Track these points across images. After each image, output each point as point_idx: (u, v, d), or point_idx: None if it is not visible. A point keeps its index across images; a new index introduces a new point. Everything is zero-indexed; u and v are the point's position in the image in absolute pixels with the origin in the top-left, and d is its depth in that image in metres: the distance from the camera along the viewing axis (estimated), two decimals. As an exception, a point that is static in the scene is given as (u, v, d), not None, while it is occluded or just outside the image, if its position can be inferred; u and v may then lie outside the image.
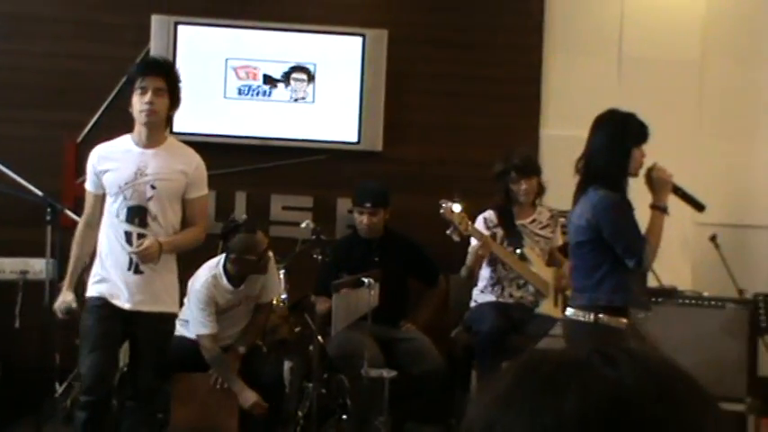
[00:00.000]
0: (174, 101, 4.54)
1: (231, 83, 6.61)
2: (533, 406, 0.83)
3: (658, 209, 4.31)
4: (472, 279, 5.84)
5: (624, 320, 4.25)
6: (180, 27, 6.54)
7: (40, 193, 4.62)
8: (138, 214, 4.44)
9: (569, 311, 4.41)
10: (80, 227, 4.60)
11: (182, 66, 6.44)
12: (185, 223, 4.61)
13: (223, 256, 5.27)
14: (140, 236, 4.42)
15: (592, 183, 4.25)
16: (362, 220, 5.87)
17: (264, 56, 6.64)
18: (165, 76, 4.46)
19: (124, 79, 4.42)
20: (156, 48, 6.46)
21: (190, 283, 5.22)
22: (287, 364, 5.66)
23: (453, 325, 5.99)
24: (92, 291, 4.50)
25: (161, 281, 4.52)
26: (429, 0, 6.92)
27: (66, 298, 4.47)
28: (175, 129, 6.38)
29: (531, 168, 5.85)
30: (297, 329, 5.87)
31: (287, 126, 6.66)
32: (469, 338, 5.76)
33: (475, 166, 6.40)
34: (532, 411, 0.83)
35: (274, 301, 5.71)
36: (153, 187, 4.46)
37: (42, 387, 4.92)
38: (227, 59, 6.60)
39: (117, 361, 4.70)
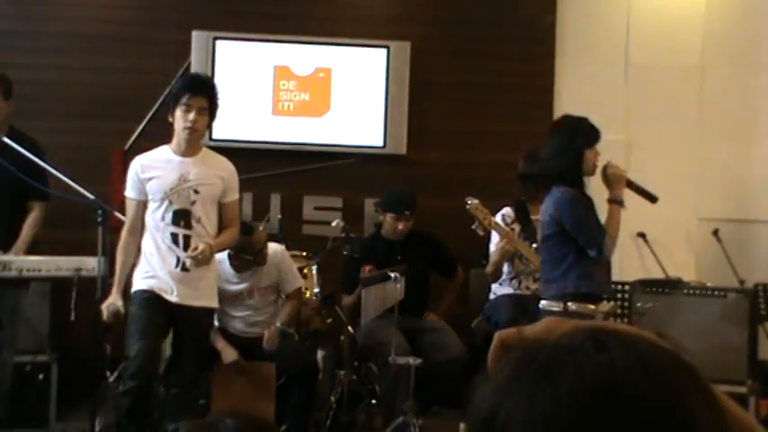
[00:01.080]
0: (212, 117, 4.62)
1: (267, 94, 6.66)
2: (532, 392, 0.85)
3: (615, 202, 4.43)
4: (497, 275, 5.83)
5: (593, 307, 4.37)
6: (218, 42, 6.61)
7: (91, 196, 4.66)
8: (183, 217, 4.51)
9: (542, 303, 4.52)
10: (124, 235, 4.64)
11: (221, 77, 6.57)
12: (222, 225, 4.68)
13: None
14: (186, 237, 4.49)
15: (554, 182, 4.39)
16: (398, 226, 5.87)
17: (295, 66, 6.68)
18: (209, 97, 4.53)
19: (167, 91, 4.46)
20: (196, 61, 6.53)
21: None
22: (320, 353, 5.67)
23: (474, 316, 5.99)
24: (140, 285, 4.55)
25: (204, 278, 4.58)
26: (448, 14, 6.92)
27: (116, 302, 4.51)
28: (215, 135, 6.47)
29: None
30: (329, 321, 5.89)
31: (318, 132, 6.71)
32: (489, 328, 5.75)
33: (492, 168, 6.41)
34: (531, 397, 0.85)
35: (307, 294, 5.74)
36: (196, 192, 4.53)
37: (95, 375, 4.97)
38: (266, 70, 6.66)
39: (160, 350, 4.75)
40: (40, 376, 5.59)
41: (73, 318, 4.42)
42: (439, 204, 6.26)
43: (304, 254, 5.86)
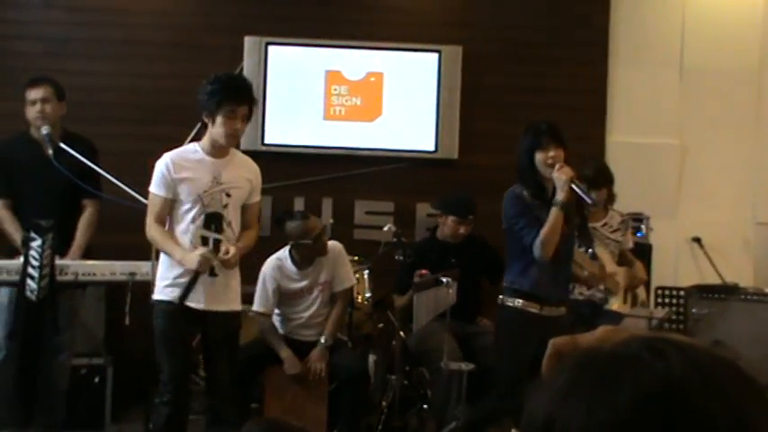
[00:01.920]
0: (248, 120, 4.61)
1: (319, 98, 6.70)
2: (589, 400, 0.85)
3: (554, 205, 4.48)
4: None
5: (537, 306, 4.50)
6: (270, 47, 6.66)
7: (145, 201, 4.71)
8: (214, 220, 4.47)
9: (500, 297, 4.67)
10: (154, 224, 4.46)
11: (273, 82, 6.62)
12: (242, 226, 4.62)
13: (289, 245, 5.36)
14: (216, 241, 4.45)
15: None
16: (460, 229, 5.91)
17: (347, 70, 6.72)
18: (249, 103, 4.50)
19: (205, 89, 4.45)
20: (248, 67, 6.60)
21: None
22: (371, 358, 5.69)
23: (526, 321, 5.97)
24: (163, 294, 4.48)
25: (231, 282, 4.56)
26: (500, 18, 6.90)
27: (200, 251, 4.37)
28: (267, 140, 6.53)
29: (602, 180, 5.79)
30: (380, 326, 5.91)
31: (369, 137, 6.73)
32: (541, 333, 5.74)
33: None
34: (589, 405, 0.85)
35: (359, 299, 5.76)
36: (228, 195, 4.50)
37: (149, 378, 5.02)
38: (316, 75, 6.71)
39: (192, 361, 4.76)
40: (96, 379, 5.67)
41: (127, 322, 4.46)
42: (490, 209, 6.18)
43: (356, 258, 5.86)
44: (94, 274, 4.66)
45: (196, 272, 4.38)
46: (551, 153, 4.52)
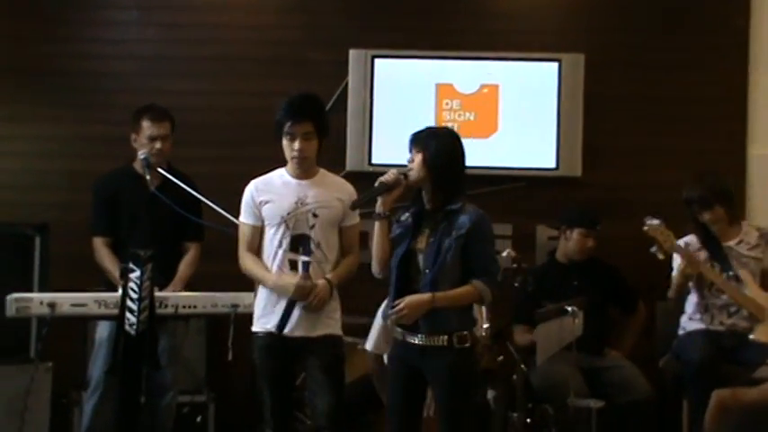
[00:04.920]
0: (322, 138, 4.59)
1: (429, 114, 6.70)
2: None
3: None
4: (680, 301, 5.71)
5: (399, 331, 4.29)
6: (377, 60, 6.70)
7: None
8: (302, 242, 4.51)
9: None
10: (246, 253, 4.63)
11: (379, 97, 6.64)
12: (342, 251, 4.66)
13: None
14: (305, 263, 4.48)
15: None
16: (588, 242, 5.91)
17: (459, 83, 6.72)
18: (312, 120, 4.52)
19: (277, 117, 4.54)
20: (353, 81, 6.64)
21: None
22: (490, 393, 5.61)
23: (660, 353, 5.87)
24: (258, 326, 4.59)
25: (327, 306, 4.56)
26: (624, 22, 6.81)
27: (290, 280, 4.48)
28: (374, 160, 6.55)
29: (713, 198, 5.67)
30: (499, 358, 5.83)
31: (484, 154, 6.65)
32: (679, 367, 5.63)
33: (677, 190, 6.27)
34: None
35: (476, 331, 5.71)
36: (315, 215, 4.53)
37: (253, 415, 5.07)
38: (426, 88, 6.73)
39: (296, 397, 4.77)
40: (198, 418, 5.75)
41: (230, 357, 4.52)
42: (618, 231, 6.15)
43: (472, 287, 5.81)
44: (195, 307, 4.69)
45: (291, 300, 4.46)
46: (409, 158, 4.37)
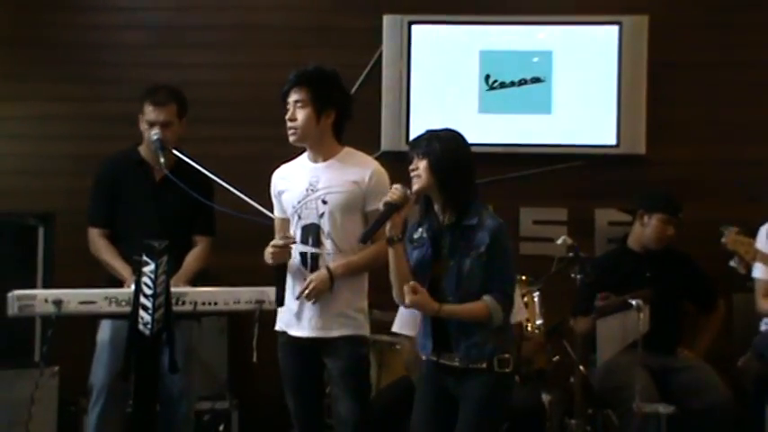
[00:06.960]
0: (324, 108, 4.42)
1: (473, 87, 6.63)
2: None
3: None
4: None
5: (434, 351, 4.24)
6: (414, 27, 6.65)
7: (271, 215, 4.66)
8: (311, 233, 4.41)
9: None
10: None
11: (417, 68, 6.54)
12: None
13: None
14: (314, 256, 4.39)
15: None
16: (667, 230, 5.84)
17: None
18: (307, 85, 4.39)
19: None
20: (388, 50, 6.63)
21: None
22: (545, 397, 5.57)
23: (740, 352, 5.76)
24: (278, 323, 4.56)
25: (340, 303, 4.42)
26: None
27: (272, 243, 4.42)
28: (412, 138, 6.41)
29: None
30: (555, 358, 5.83)
31: (536, 131, 6.66)
32: (761, 367, 5.52)
33: (754, 166, 6.15)
34: None
35: (529, 328, 5.64)
36: (324, 202, 4.40)
37: (282, 422, 5.01)
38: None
39: (319, 397, 4.64)
40: (221, 427, 5.72)
41: (255, 359, 4.41)
42: (690, 215, 6.03)
43: (523, 278, 5.74)
44: (216, 303, 4.63)
45: (278, 268, 4.37)
46: (411, 166, 4.20)
